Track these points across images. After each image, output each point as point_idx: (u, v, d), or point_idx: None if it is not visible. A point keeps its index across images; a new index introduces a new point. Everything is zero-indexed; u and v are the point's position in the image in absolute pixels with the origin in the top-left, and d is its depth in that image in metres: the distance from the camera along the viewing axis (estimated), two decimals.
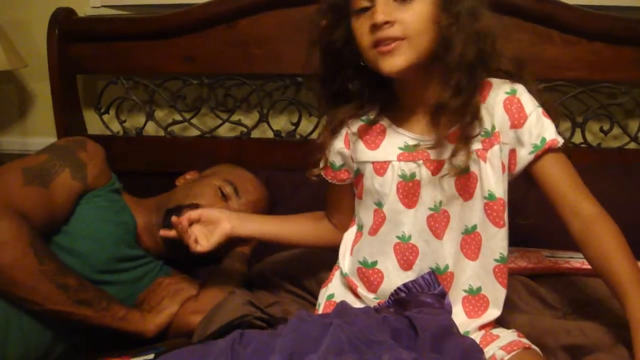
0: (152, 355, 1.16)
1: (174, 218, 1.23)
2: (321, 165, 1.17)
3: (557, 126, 1.10)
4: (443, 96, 1.03)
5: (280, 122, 1.94)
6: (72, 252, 1.31)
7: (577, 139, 1.80)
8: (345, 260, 1.18)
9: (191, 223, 1.22)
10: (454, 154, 1.03)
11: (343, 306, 1.04)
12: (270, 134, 1.92)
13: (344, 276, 1.17)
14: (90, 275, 1.31)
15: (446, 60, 1.01)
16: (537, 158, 1.08)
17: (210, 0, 1.81)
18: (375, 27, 0.99)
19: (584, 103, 1.79)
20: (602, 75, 1.71)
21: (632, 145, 1.79)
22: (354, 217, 1.21)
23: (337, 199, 1.23)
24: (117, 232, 1.40)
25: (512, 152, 1.09)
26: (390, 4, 0.99)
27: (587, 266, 1.37)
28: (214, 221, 1.23)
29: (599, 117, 1.80)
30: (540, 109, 1.09)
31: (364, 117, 1.14)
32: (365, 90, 1.11)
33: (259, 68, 1.83)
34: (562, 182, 1.09)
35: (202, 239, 1.22)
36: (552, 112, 1.11)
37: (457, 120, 1.04)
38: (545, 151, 1.08)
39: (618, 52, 1.67)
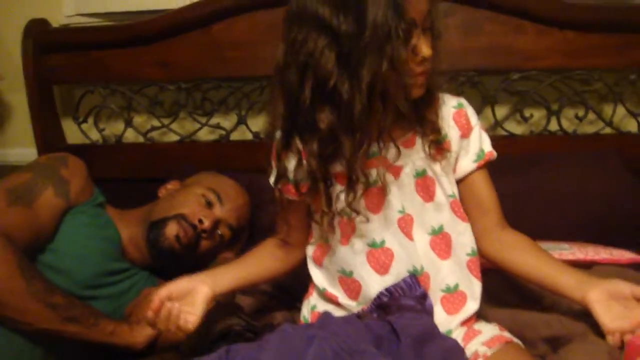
0: None
1: (150, 313, 1.08)
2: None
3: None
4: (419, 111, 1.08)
5: (259, 123, 1.94)
6: (58, 270, 1.32)
7: (553, 126, 1.82)
8: (318, 276, 1.18)
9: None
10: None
11: (326, 316, 1.05)
12: (249, 136, 1.93)
13: (322, 291, 1.17)
14: (77, 292, 1.32)
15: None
16: (475, 169, 1.15)
17: (182, 6, 1.81)
18: (424, 60, 1.00)
19: (558, 90, 1.81)
20: (575, 63, 1.74)
21: (608, 130, 1.81)
22: (310, 232, 1.20)
23: (295, 217, 1.19)
24: (102, 247, 1.41)
25: (456, 161, 1.15)
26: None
27: (565, 257, 1.40)
28: (187, 291, 1.10)
29: (574, 103, 1.82)
30: (479, 122, 1.17)
31: None
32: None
33: (234, 71, 1.84)
34: (491, 196, 1.17)
35: (188, 315, 1.08)
36: None
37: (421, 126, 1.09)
38: (484, 162, 1.15)
39: (589, 39, 1.70)
